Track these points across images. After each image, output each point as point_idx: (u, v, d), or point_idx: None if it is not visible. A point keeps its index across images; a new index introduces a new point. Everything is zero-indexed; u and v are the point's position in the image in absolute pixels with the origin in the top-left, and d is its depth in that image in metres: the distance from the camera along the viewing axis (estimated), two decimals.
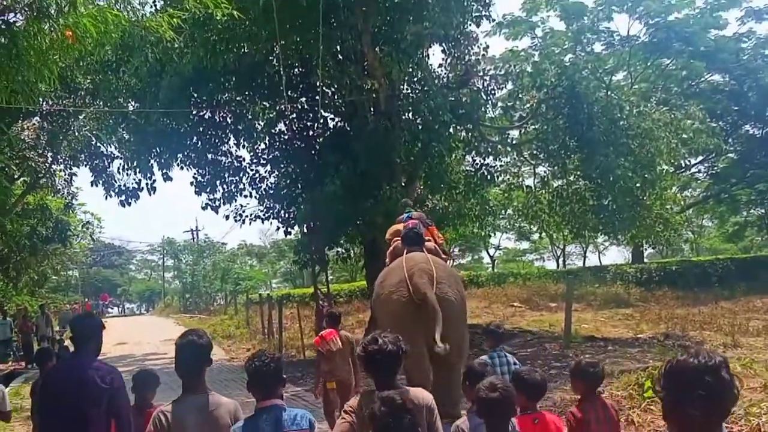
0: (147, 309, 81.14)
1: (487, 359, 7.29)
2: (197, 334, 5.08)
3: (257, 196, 23.10)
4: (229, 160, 23.32)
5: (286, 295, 40.88)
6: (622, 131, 20.64)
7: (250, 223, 23.47)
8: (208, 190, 22.78)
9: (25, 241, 32.24)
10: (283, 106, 20.17)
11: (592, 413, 5.46)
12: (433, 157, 19.29)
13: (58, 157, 29.87)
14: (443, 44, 21.13)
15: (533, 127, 23.35)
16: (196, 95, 21.40)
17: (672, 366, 2.73)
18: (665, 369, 2.76)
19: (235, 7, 15.37)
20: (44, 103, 23.22)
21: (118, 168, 23.16)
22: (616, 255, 71.09)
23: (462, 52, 21.43)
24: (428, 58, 21.19)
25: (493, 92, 22.33)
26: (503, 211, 30.75)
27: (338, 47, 19.60)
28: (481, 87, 21.70)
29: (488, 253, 64.59)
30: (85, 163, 27.04)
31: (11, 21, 11.35)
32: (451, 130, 20.15)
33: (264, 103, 20.17)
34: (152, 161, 22.03)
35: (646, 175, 21.22)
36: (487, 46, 22.25)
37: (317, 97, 19.68)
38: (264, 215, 23.09)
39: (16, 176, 30.31)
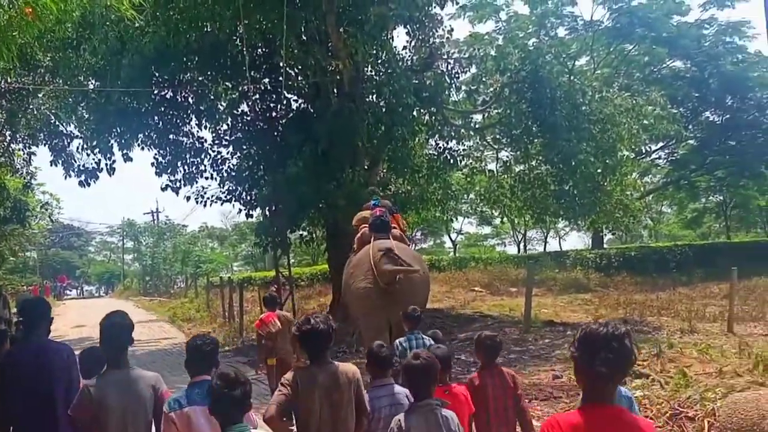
0: (106, 291, 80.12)
1: (404, 341, 8.02)
2: (120, 316, 5.36)
3: (219, 178, 22.89)
4: (191, 140, 23.08)
5: (248, 278, 40.63)
6: (584, 116, 20.74)
7: (211, 205, 23.28)
8: (168, 171, 22.54)
9: None
10: (245, 87, 19.98)
11: (489, 380, 6.16)
12: (396, 140, 19.26)
13: (17, 136, 29.39)
14: (408, 26, 21.05)
15: (496, 111, 23.42)
16: (157, 74, 21.14)
17: (585, 332, 3.29)
18: (580, 335, 3.30)
19: None
20: (2, 80, 22.82)
21: (78, 147, 22.95)
22: (576, 240, 71.72)
23: (426, 34, 21.39)
24: (393, 40, 21.09)
25: (456, 75, 22.32)
26: (465, 195, 30.90)
27: (302, 28, 19.43)
28: (445, 70, 21.69)
29: (450, 237, 64.80)
30: (44, 142, 26.62)
31: None
32: (414, 113, 20.11)
33: (227, 83, 19.99)
34: (112, 141, 21.75)
35: (607, 161, 21.36)
36: (452, 29, 22.25)
37: (281, 78, 19.54)
38: (225, 197, 22.88)
39: None
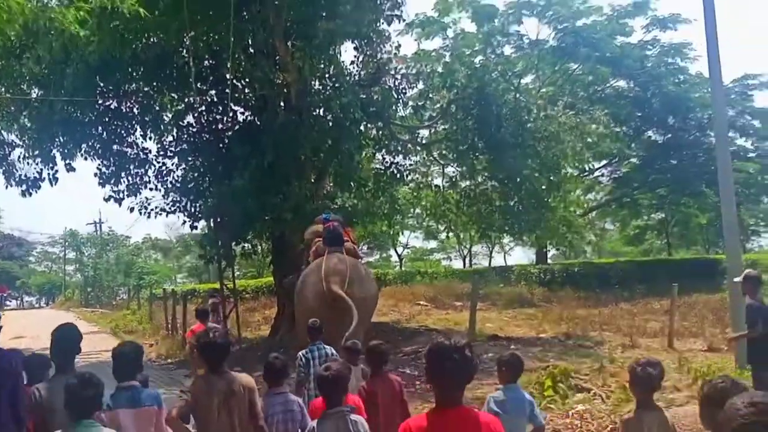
0: (47, 302, 78.86)
1: (306, 352, 8.57)
2: (70, 327, 6.06)
3: (163, 189, 22.68)
4: (135, 151, 22.84)
5: (192, 290, 40.26)
6: (529, 134, 20.98)
7: (155, 217, 22.96)
8: (112, 181, 22.30)
9: None
10: (191, 98, 19.88)
11: (380, 386, 6.70)
12: (343, 154, 19.27)
13: None
14: (355, 42, 21.09)
15: (443, 127, 23.55)
16: (102, 84, 20.93)
17: (432, 346, 3.78)
18: (428, 348, 3.80)
19: None
20: None
21: (19, 157, 22.53)
22: (520, 256, 72.11)
23: (374, 50, 21.45)
24: (340, 54, 21.16)
25: (404, 91, 22.39)
26: (412, 210, 30.93)
27: (250, 40, 19.40)
28: (392, 85, 21.75)
29: (396, 251, 64.81)
30: None
31: None
32: (361, 127, 20.17)
33: (172, 94, 19.89)
34: (55, 151, 21.48)
35: (551, 178, 21.63)
36: (399, 45, 22.41)
37: (227, 90, 19.43)
38: (170, 208, 22.63)
39: None
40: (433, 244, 67.01)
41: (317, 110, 20.01)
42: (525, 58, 39.32)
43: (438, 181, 25.75)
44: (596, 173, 44.36)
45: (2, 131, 24.34)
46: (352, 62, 21.76)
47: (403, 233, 49.25)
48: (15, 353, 6.08)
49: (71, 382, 4.67)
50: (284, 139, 18.51)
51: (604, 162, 42.42)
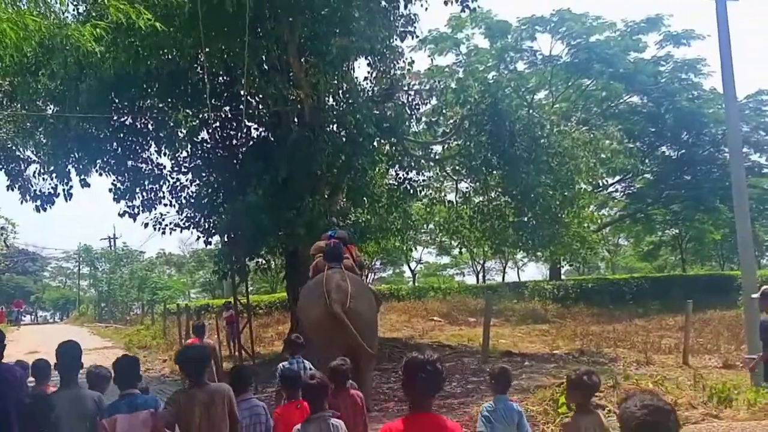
0: (61, 317, 79.05)
1: (286, 364, 9.30)
2: (73, 344, 6.52)
3: (177, 205, 22.69)
4: (150, 167, 22.88)
5: (205, 305, 40.36)
6: (542, 149, 20.98)
7: (170, 233, 23.00)
8: (126, 197, 22.33)
9: None
10: (206, 115, 19.91)
11: (342, 401, 7.07)
12: (356, 170, 19.27)
13: None
14: (369, 58, 21.13)
15: (456, 142, 23.57)
16: (117, 100, 20.99)
17: (407, 360, 4.32)
18: (404, 361, 4.34)
19: (160, 13, 15.21)
20: None
21: (35, 172, 22.63)
22: (534, 271, 72.32)
23: (387, 66, 21.49)
24: (354, 71, 21.20)
25: (417, 107, 22.44)
26: (425, 225, 30.97)
27: (264, 57, 19.44)
28: (405, 101, 21.80)
29: (409, 267, 64.80)
30: (0, 167, 26.29)
31: None
32: (375, 143, 20.18)
33: (187, 110, 19.90)
34: (70, 166, 21.53)
35: (565, 193, 21.61)
36: (413, 61, 22.43)
37: (241, 107, 19.49)
38: (184, 224, 22.69)
39: None
40: (446, 259, 67.07)
41: (331, 126, 20.04)
42: (538, 73, 39.46)
43: (451, 197, 25.74)
44: (610, 189, 44.37)
45: (18, 147, 24.47)
46: (366, 78, 21.82)
47: (416, 249, 49.31)
48: (18, 366, 6.94)
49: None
50: (298, 154, 18.55)
51: (617, 178, 42.40)
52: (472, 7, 21.07)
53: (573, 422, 6.01)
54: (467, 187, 25.57)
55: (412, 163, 23.02)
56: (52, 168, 21.52)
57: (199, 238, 23.67)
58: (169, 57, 19.29)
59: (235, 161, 21.69)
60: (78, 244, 79.39)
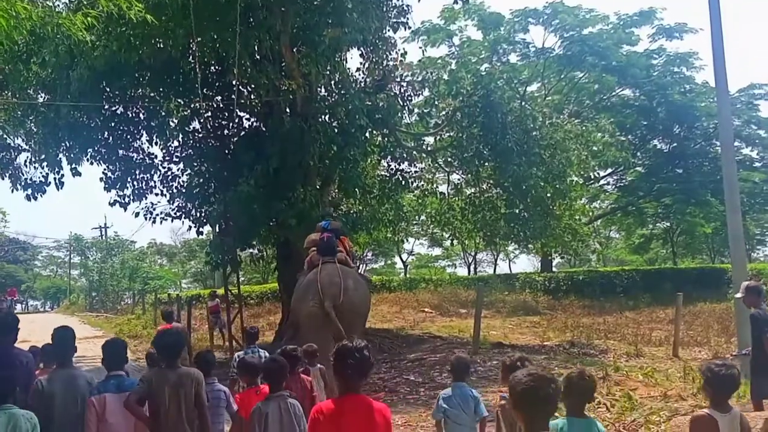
0: (52, 307, 78.75)
1: (242, 353, 9.80)
2: (66, 329, 7.04)
3: (169, 195, 22.67)
4: (141, 156, 22.86)
5: (196, 295, 40.28)
6: (534, 141, 20.98)
7: (161, 222, 22.95)
8: (117, 186, 22.32)
9: None
10: (197, 104, 19.86)
11: (292, 384, 7.47)
12: (348, 160, 19.27)
13: None
14: (361, 48, 21.07)
15: (448, 134, 23.55)
16: (108, 89, 20.96)
17: (338, 347, 4.78)
18: (335, 349, 4.79)
19: (151, 2, 15.16)
20: None
21: (26, 161, 22.61)
22: (525, 263, 72.41)
23: (380, 57, 21.43)
24: (346, 61, 21.13)
25: (409, 98, 22.44)
26: (417, 216, 30.96)
27: (256, 47, 19.37)
28: (398, 92, 21.78)
29: (401, 258, 64.85)
30: None
31: None
32: (367, 134, 20.17)
33: (178, 100, 19.84)
34: (61, 155, 21.49)
35: (557, 186, 21.62)
36: (405, 52, 22.33)
37: (233, 96, 19.43)
38: (175, 214, 22.66)
39: None
40: (437, 251, 67.13)
41: (323, 117, 20.00)
42: (531, 66, 39.45)
43: (443, 188, 25.74)
44: (602, 182, 44.38)
45: (8, 135, 24.40)
46: (358, 69, 21.76)
47: (407, 240, 49.29)
48: (24, 354, 7.23)
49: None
50: (290, 145, 18.52)
51: (609, 170, 42.42)
52: None
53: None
54: (459, 179, 25.57)
55: (404, 155, 23.01)
56: (43, 157, 21.50)
57: (190, 228, 23.66)
58: (161, 46, 19.22)
59: (226, 151, 21.66)
60: (69, 234, 79.14)
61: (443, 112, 23.13)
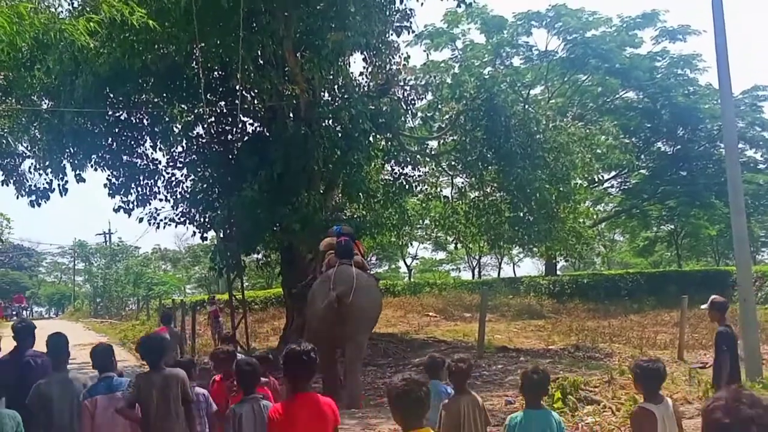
0: (56, 313, 78.83)
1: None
2: (59, 335, 7.43)
3: (173, 200, 22.70)
4: (145, 162, 22.87)
5: (201, 301, 40.27)
6: (538, 144, 20.97)
7: (164, 228, 22.96)
8: (122, 192, 22.32)
9: None
10: (201, 110, 19.88)
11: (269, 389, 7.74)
12: (352, 165, 19.25)
13: None
14: (364, 53, 21.07)
15: (452, 138, 23.53)
16: (112, 95, 20.98)
17: (287, 350, 5.11)
18: (284, 351, 5.15)
19: (155, 8, 15.16)
20: None
21: (30, 167, 22.60)
22: (530, 267, 72.07)
23: (383, 61, 21.43)
24: (349, 66, 21.16)
25: (413, 102, 22.42)
26: (421, 221, 30.92)
27: (259, 52, 19.39)
28: (401, 96, 21.77)
29: (405, 262, 64.78)
30: None
31: None
32: (370, 138, 20.14)
33: (182, 105, 19.89)
34: (65, 161, 21.50)
35: (561, 189, 21.60)
36: (408, 56, 22.33)
37: (236, 101, 19.41)
38: (179, 219, 22.67)
39: None
40: (442, 255, 67.10)
41: (326, 121, 19.99)
42: (534, 69, 39.41)
43: (447, 192, 25.72)
44: (606, 184, 44.35)
45: (13, 142, 24.40)
46: (361, 73, 21.79)
47: (411, 244, 49.19)
48: (39, 359, 7.63)
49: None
50: (293, 150, 18.51)
51: (613, 173, 42.41)
52: (467, 2, 21.06)
53: (453, 401, 6.91)
54: (463, 183, 25.57)
55: (408, 159, 23.00)
56: (47, 163, 21.49)
57: (194, 233, 23.66)
58: (165, 52, 19.24)
59: (230, 156, 21.66)
60: (73, 240, 79.44)
61: (447, 116, 23.10)
